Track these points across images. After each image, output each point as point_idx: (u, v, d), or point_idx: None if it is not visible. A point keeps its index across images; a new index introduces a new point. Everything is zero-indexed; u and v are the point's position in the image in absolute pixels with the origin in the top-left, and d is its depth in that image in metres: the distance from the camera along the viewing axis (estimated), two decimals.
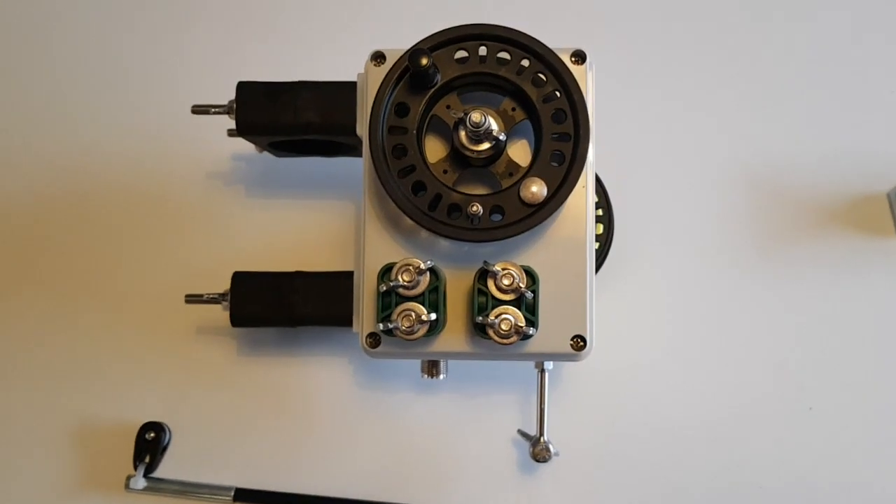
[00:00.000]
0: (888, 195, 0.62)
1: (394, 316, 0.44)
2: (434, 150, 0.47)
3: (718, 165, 0.63)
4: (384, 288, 0.44)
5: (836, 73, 0.64)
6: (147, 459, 0.58)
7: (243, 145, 0.56)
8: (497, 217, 0.44)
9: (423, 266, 0.44)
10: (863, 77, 0.64)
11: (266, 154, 0.58)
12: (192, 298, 0.55)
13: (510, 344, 0.44)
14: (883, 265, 0.61)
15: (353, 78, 0.50)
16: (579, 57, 0.46)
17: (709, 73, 0.65)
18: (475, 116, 0.43)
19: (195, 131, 0.63)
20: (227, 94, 0.52)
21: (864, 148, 0.63)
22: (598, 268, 0.59)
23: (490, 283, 0.44)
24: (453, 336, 0.47)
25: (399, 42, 0.46)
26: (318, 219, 0.62)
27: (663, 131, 0.64)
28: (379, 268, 0.45)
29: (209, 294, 0.55)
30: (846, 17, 0.65)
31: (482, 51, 0.45)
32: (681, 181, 0.63)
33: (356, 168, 0.49)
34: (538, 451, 0.54)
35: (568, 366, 0.60)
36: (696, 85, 0.64)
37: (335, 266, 0.55)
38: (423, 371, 0.51)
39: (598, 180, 0.60)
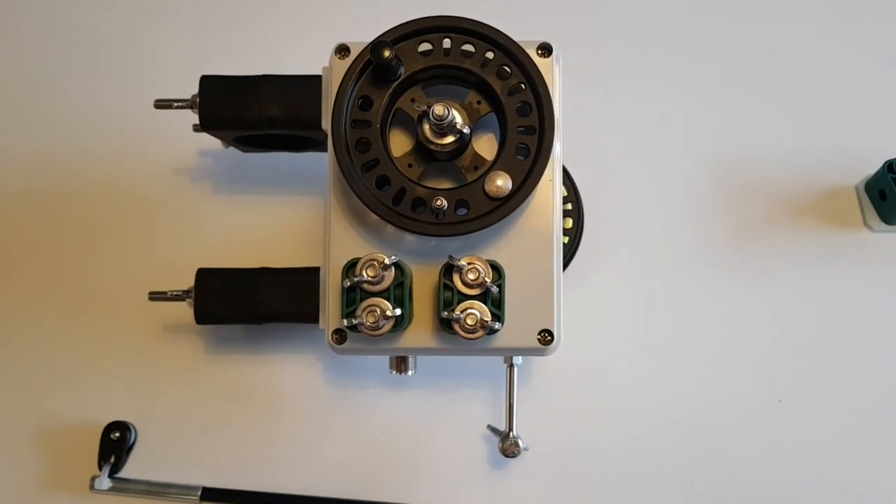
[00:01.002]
0: (856, 188, 0.63)
1: (358, 311, 0.44)
2: (399, 144, 0.47)
3: (689, 160, 0.63)
4: (348, 283, 0.44)
5: (805, 68, 0.65)
6: (112, 459, 0.58)
7: (210, 141, 0.56)
8: (462, 211, 0.44)
9: (387, 261, 0.43)
10: (831, 71, 0.65)
11: (233, 149, 0.57)
12: (155, 295, 0.54)
13: (476, 339, 0.44)
14: (852, 257, 0.62)
15: (318, 72, 0.50)
16: (545, 50, 0.46)
17: (679, 68, 0.65)
18: (438, 109, 0.42)
19: (161, 127, 0.63)
20: (194, 89, 0.51)
21: (832, 142, 0.63)
22: (567, 262, 0.59)
23: (456, 278, 0.44)
24: (420, 332, 0.46)
25: (365, 35, 0.46)
26: (286, 214, 0.62)
27: (634, 126, 0.64)
28: (344, 263, 0.45)
29: (173, 291, 0.54)
30: (814, 12, 0.66)
31: (446, 43, 0.45)
32: (652, 176, 0.63)
33: (322, 163, 0.49)
34: (508, 446, 0.54)
35: (537, 361, 0.60)
36: (667, 80, 0.64)
37: (303, 262, 0.54)
38: (391, 367, 0.51)
39: (566, 175, 0.60)
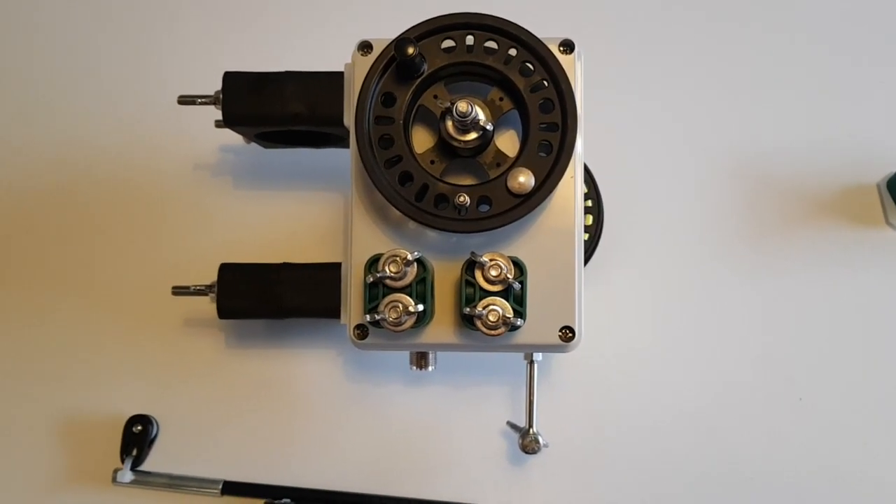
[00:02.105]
0: (878, 185, 0.62)
1: (381, 307, 0.44)
2: (421, 140, 0.47)
3: (708, 156, 0.63)
4: (371, 279, 0.44)
5: (826, 63, 0.64)
6: (134, 452, 0.58)
7: (231, 137, 0.56)
8: (485, 207, 0.44)
9: (410, 257, 0.43)
10: (852, 66, 0.64)
11: (253, 145, 0.57)
12: (179, 290, 0.55)
13: (498, 335, 0.44)
14: (872, 256, 0.61)
15: (340, 68, 0.50)
16: (568, 46, 0.46)
17: (698, 63, 0.64)
18: (462, 106, 0.42)
19: (182, 123, 0.63)
20: (214, 85, 0.52)
21: (853, 138, 0.63)
22: (587, 259, 0.59)
23: (478, 274, 0.44)
24: (441, 327, 0.46)
25: (386, 32, 0.46)
26: (306, 210, 0.62)
27: (653, 122, 0.63)
28: (366, 259, 0.45)
29: (196, 286, 0.54)
30: (837, 4, 0.65)
31: (469, 40, 0.45)
32: (670, 172, 0.63)
33: (344, 159, 0.49)
34: (528, 442, 0.54)
35: (557, 357, 0.60)
36: (686, 75, 0.64)
37: (323, 258, 0.54)
38: (411, 363, 0.51)
39: (587, 171, 0.60)
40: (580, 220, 0.47)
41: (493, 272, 0.44)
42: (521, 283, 0.44)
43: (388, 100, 0.45)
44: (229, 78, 0.51)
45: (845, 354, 0.60)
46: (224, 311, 0.53)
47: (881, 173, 0.62)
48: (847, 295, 0.61)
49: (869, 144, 0.63)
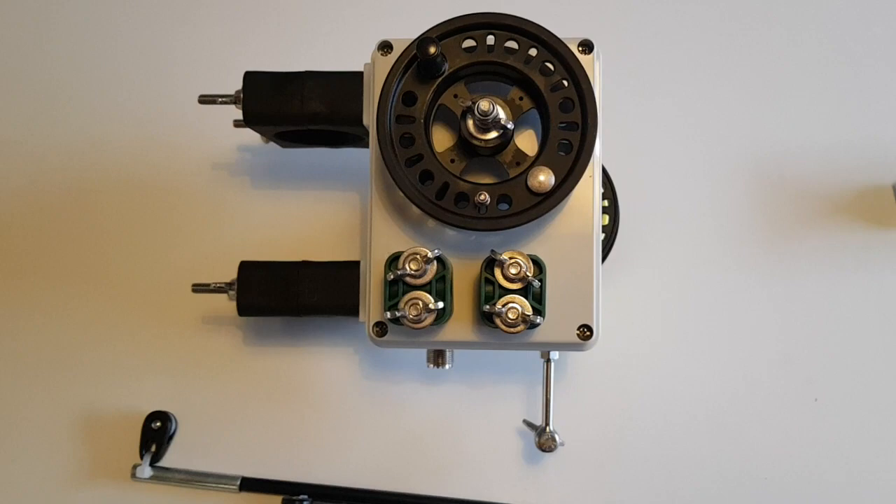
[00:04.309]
0: (893, 186, 0.62)
1: (401, 304, 0.44)
2: (441, 139, 0.47)
3: (723, 156, 0.63)
4: (391, 276, 0.44)
5: (842, 63, 0.64)
6: (153, 448, 0.59)
7: (249, 136, 0.56)
8: (504, 206, 0.44)
9: (430, 255, 0.44)
10: (868, 67, 0.64)
11: (272, 145, 0.58)
12: (198, 288, 0.55)
13: (517, 333, 0.44)
14: (888, 257, 0.61)
15: (359, 68, 0.50)
16: (587, 46, 0.46)
17: (714, 64, 0.65)
18: (484, 105, 0.43)
19: (201, 122, 0.63)
20: (233, 85, 0.52)
21: (869, 139, 0.63)
22: (603, 259, 0.59)
23: (497, 272, 0.44)
24: (460, 325, 0.47)
25: (405, 32, 0.46)
26: (324, 209, 0.63)
27: (668, 123, 0.64)
28: (386, 257, 0.45)
29: (216, 283, 0.55)
30: (853, 5, 0.65)
31: (490, 40, 0.45)
32: (686, 173, 0.63)
33: (362, 159, 0.50)
34: (544, 440, 0.54)
35: (574, 356, 0.60)
36: (702, 76, 0.64)
37: (341, 256, 0.55)
38: (428, 361, 0.52)
39: (603, 171, 0.60)
40: (598, 219, 0.47)
41: (513, 270, 0.44)
42: (541, 281, 0.44)
43: (409, 99, 0.45)
44: (250, 77, 0.52)
45: (861, 355, 0.60)
46: (244, 309, 0.54)
47: None
48: (862, 296, 0.61)
49: (884, 145, 0.63)
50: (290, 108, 0.51)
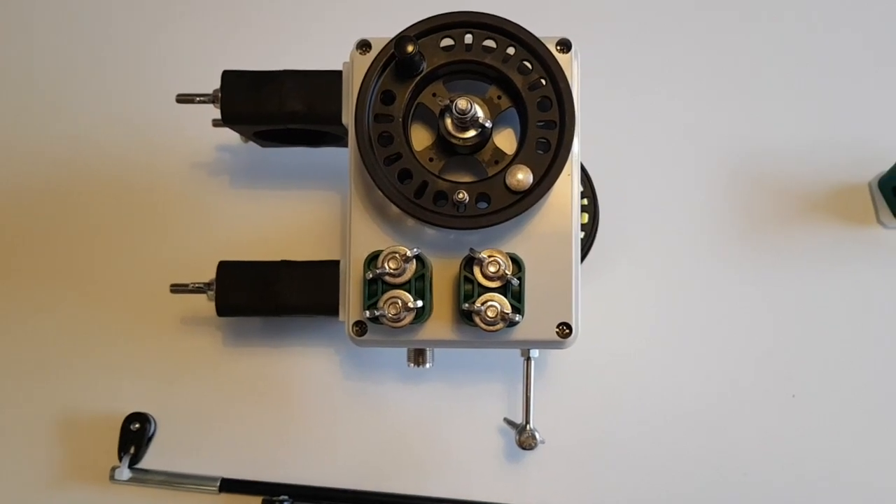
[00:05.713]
0: (870, 184, 0.63)
1: (380, 303, 0.44)
2: (420, 138, 0.47)
3: (703, 155, 0.63)
4: (371, 275, 0.44)
5: (819, 63, 0.65)
6: (132, 450, 0.58)
7: (228, 135, 0.56)
8: (483, 204, 0.44)
9: (409, 254, 0.44)
10: (845, 66, 0.65)
11: (251, 144, 0.58)
12: (177, 288, 0.55)
13: (496, 331, 0.44)
14: (864, 254, 0.62)
15: (338, 67, 0.50)
16: (565, 45, 0.46)
17: (693, 63, 0.65)
18: (461, 103, 0.43)
19: (179, 122, 0.63)
20: (212, 84, 0.52)
21: (845, 138, 0.64)
22: (583, 257, 0.60)
23: (476, 271, 0.44)
24: (440, 324, 0.47)
25: (384, 31, 0.46)
26: (304, 209, 0.62)
27: (647, 122, 0.64)
28: (365, 256, 0.45)
29: (195, 283, 0.54)
30: (828, 6, 0.66)
31: (468, 38, 0.45)
32: (665, 171, 0.63)
33: (341, 158, 0.49)
34: (524, 438, 0.54)
35: (553, 354, 0.60)
36: (681, 75, 0.65)
37: (320, 255, 0.55)
38: (409, 360, 0.52)
39: (583, 170, 0.60)
40: (577, 217, 0.47)
41: (492, 268, 0.44)
42: (520, 279, 0.44)
43: (388, 98, 0.45)
44: (228, 76, 0.52)
45: (838, 351, 0.60)
46: (223, 309, 0.53)
47: (872, 173, 0.63)
48: (839, 293, 0.61)
49: (861, 144, 0.63)
50: (269, 108, 0.51)
